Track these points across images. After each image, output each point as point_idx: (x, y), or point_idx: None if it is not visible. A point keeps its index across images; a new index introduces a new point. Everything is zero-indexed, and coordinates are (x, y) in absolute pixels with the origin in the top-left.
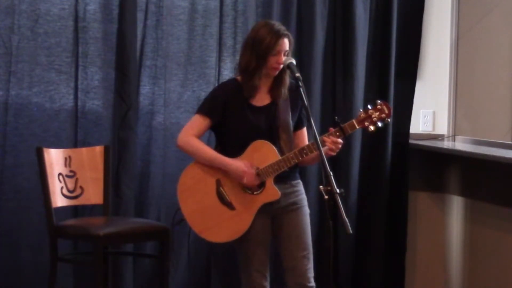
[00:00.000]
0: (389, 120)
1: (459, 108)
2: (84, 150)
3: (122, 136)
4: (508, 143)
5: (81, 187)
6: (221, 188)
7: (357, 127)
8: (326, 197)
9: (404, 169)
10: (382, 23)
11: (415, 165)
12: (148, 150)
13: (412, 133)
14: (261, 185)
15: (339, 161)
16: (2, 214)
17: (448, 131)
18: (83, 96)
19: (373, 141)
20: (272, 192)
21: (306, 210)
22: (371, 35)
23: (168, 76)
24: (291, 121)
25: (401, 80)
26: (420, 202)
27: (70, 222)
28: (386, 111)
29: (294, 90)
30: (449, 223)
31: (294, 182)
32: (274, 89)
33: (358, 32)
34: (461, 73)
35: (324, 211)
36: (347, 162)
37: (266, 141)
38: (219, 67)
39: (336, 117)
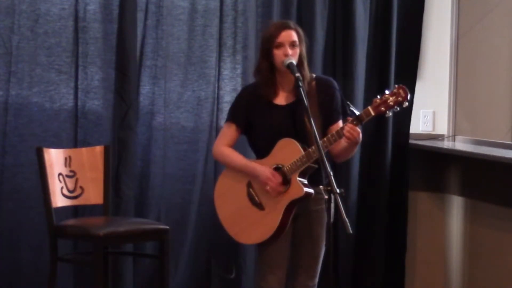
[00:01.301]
0: (407, 103)
1: (459, 108)
2: (84, 150)
3: (122, 136)
4: (508, 143)
5: (81, 187)
6: (251, 190)
7: (373, 113)
8: (326, 197)
9: (404, 169)
10: (382, 23)
11: (415, 165)
12: (148, 150)
13: (412, 133)
14: (287, 183)
15: None
16: (2, 214)
17: (448, 131)
18: (83, 96)
19: (373, 141)
20: (297, 188)
21: (325, 220)
22: (371, 35)
23: (168, 76)
24: (319, 118)
25: (401, 80)
26: (420, 202)
27: (70, 222)
28: (403, 94)
29: (322, 87)
30: (449, 223)
31: (318, 188)
32: (297, 86)
33: (358, 32)
34: (461, 73)
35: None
36: (347, 162)
37: (291, 139)
38: (219, 67)
39: (351, 106)
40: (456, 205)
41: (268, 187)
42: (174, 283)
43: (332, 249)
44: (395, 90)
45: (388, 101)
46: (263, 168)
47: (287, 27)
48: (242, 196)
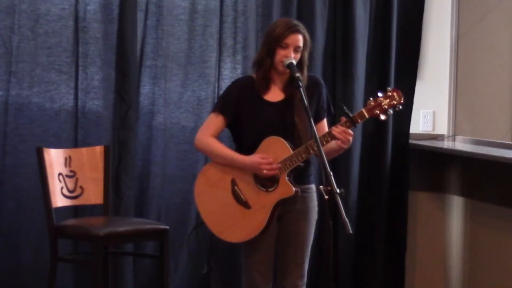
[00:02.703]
0: (401, 107)
1: (459, 108)
2: (84, 150)
3: (122, 136)
4: (508, 143)
5: (81, 187)
6: (236, 188)
7: (367, 116)
8: (326, 197)
9: (404, 169)
10: (382, 23)
11: (415, 165)
12: (148, 150)
13: (412, 133)
14: (275, 182)
15: (339, 161)
16: (2, 214)
17: (448, 131)
18: (83, 96)
19: (373, 141)
20: (286, 188)
21: (312, 219)
22: (371, 35)
23: (168, 76)
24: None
25: (401, 80)
26: (420, 202)
27: (70, 222)
28: (397, 98)
29: (310, 86)
30: (449, 223)
31: (303, 187)
32: (289, 86)
33: (358, 32)
34: (461, 73)
35: (324, 211)
36: (347, 162)
37: (278, 137)
38: (219, 67)
39: (345, 107)
40: (456, 205)
41: (264, 171)
42: (174, 283)
43: (332, 249)
44: (389, 93)
45: (382, 104)
46: (250, 157)
47: (296, 30)
48: (227, 194)
